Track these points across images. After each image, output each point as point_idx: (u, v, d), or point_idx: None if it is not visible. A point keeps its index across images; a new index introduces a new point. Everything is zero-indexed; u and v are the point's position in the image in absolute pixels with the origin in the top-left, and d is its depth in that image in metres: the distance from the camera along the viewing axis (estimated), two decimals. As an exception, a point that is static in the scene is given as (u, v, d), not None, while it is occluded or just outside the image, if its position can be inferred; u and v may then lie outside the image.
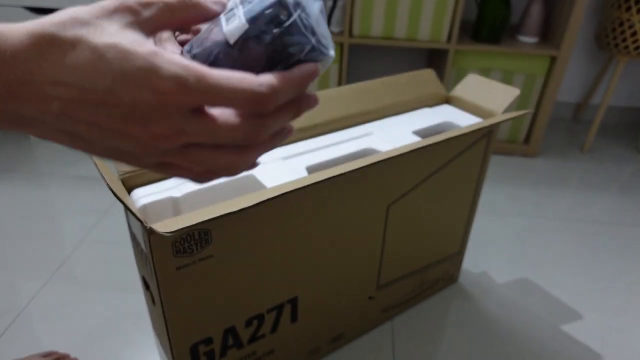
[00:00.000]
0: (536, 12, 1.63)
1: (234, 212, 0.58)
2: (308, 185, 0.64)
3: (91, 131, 0.27)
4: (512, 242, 1.31)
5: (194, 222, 0.56)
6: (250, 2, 0.27)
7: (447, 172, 0.89)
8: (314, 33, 0.27)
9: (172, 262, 0.61)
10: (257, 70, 0.27)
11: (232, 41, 0.27)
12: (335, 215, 0.75)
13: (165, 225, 0.56)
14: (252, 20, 0.26)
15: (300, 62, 0.28)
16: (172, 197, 0.67)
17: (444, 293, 1.12)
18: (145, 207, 0.65)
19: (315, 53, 0.28)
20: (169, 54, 0.26)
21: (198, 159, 0.29)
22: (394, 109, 0.96)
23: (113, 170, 0.66)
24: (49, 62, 0.25)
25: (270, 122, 0.29)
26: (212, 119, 0.27)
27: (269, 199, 0.60)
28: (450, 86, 1.67)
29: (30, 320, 1.00)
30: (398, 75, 0.99)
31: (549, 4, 1.66)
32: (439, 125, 0.92)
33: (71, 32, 0.26)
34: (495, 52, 1.61)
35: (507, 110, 0.93)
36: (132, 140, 0.27)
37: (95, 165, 0.64)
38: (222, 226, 0.62)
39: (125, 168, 0.68)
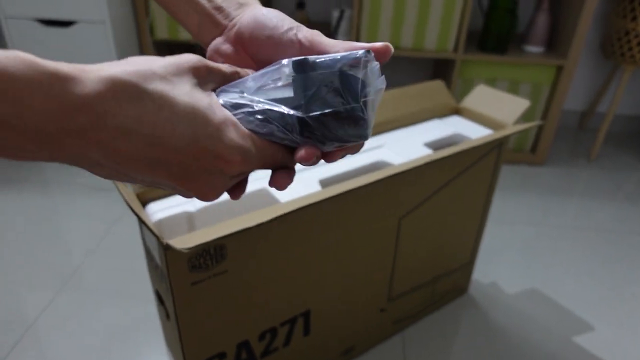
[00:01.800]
0: (542, 21, 1.63)
1: (250, 228, 0.58)
2: (323, 200, 0.64)
3: (144, 177, 0.28)
4: (520, 251, 1.31)
5: (210, 238, 0.56)
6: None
7: (458, 183, 0.89)
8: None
9: (187, 277, 0.61)
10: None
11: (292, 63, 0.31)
12: (348, 228, 0.75)
13: (182, 241, 0.56)
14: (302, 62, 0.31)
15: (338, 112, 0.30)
16: (187, 212, 0.67)
17: (454, 304, 1.12)
18: (160, 222, 0.65)
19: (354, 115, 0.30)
20: (237, 125, 0.29)
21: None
22: (404, 121, 0.96)
23: (128, 184, 0.66)
24: (126, 111, 0.25)
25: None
26: (243, 189, 0.34)
27: (284, 214, 0.60)
28: (456, 96, 1.68)
29: (41, 332, 1.00)
30: (408, 87, 0.99)
31: (555, 13, 1.67)
32: (449, 137, 0.92)
33: (152, 86, 0.26)
34: (501, 62, 1.61)
35: (516, 121, 0.94)
36: (177, 189, 0.29)
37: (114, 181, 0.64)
38: (237, 241, 0.62)
39: (140, 182, 0.68)
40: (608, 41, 1.71)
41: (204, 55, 0.37)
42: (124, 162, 0.26)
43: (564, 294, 1.16)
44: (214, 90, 0.31)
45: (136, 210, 0.59)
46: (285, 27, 0.33)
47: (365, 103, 0.30)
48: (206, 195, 0.30)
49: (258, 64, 0.35)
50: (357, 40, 1.61)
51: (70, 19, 1.49)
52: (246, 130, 0.30)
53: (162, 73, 0.27)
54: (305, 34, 0.33)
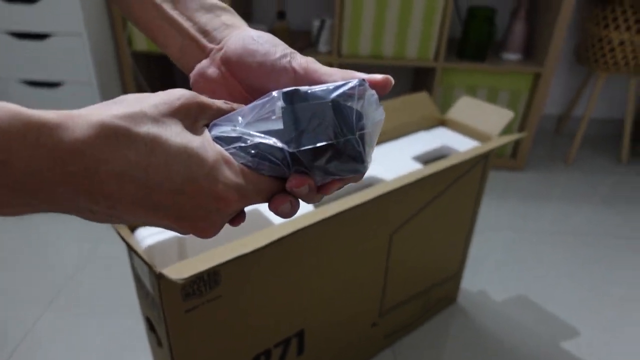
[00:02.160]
0: (519, 29, 1.67)
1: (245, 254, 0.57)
2: (317, 222, 0.63)
3: (138, 219, 0.26)
4: (505, 257, 1.33)
5: (205, 268, 0.54)
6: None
7: (447, 196, 0.90)
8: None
9: (181, 305, 0.59)
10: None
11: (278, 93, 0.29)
12: (341, 247, 0.75)
13: (176, 270, 0.54)
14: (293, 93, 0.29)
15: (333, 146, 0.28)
16: (178, 236, 0.65)
17: (444, 314, 1.12)
18: (150, 248, 0.63)
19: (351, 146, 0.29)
20: (231, 162, 0.28)
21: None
22: (391, 134, 0.97)
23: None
24: (118, 156, 0.24)
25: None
26: (243, 218, 0.31)
27: (279, 239, 0.59)
28: (438, 104, 1.69)
29: (31, 350, 0.97)
30: (392, 100, 0.99)
31: (531, 21, 1.70)
32: (437, 149, 0.93)
33: (144, 129, 0.25)
34: (481, 70, 1.63)
35: (501, 132, 0.95)
36: (174, 228, 0.28)
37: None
38: (231, 266, 0.61)
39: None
40: (582, 48, 1.76)
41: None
42: (118, 207, 0.25)
43: (549, 299, 1.18)
44: (207, 125, 0.30)
45: (125, 237, 0.57)
46: (278, 54, 0.32)
47: (361, 136, 0.28)
48: (205, 232, 0.29)
49: (247, 90, 0.34)
50: (339, 50, 1.61)
51: (45, 32, 1.45)
52: (240, 166, 0.28)
53: (153, 114, 0.26)
54: (300, 61, 0.32)
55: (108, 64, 1.61)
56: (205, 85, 0.34)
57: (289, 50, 0.32)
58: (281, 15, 1.66)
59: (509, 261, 1.31)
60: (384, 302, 0.92)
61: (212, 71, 0.34)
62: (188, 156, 0.26)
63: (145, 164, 0.24)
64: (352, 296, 0.84)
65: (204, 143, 0.27)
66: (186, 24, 0.35)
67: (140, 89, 1.70)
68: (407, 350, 1.02)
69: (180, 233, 0.29)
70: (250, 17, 1.87)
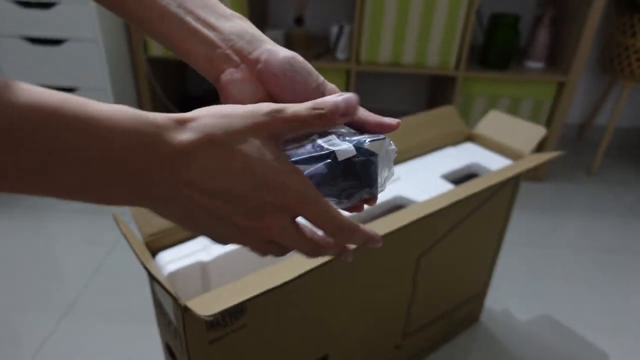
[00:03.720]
0: (543, 37, 1.62)
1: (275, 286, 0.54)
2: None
3: (209, 218, 0.29)
4: (528, 274, 1.28)
5: (233, 303, 0.51)
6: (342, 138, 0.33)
7: (476, 216, 0.86)
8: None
9: (205, 336, 0.56)
10: (338, 182, 0.33)
11: (339, 159, 0.31)
12: (368, 272, 0.72)
13: (202, 304, 0.51)
14: (357, 149, 0.32)
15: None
16: (201, 262, 0.62)
17: (466, 333, 1.08)
18: (173, 275, 0.60)
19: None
20: (300, 173, 0.31)
21: (266, 250, 0.34)
22: (418, 150, 0.93)
23: (136, 232, 0.61)
24: (204, 160, 0.28)
25: (336, 248, 0.35)
26: (303, 234, 0.33)
27: (310, 270, 0.56)
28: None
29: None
30: (419, 114, 0.96)
31: (555, 28, 1.66)
32: (466, 167, 0.89)
33: (226, 140, 0.28)
34: (503, 78, 1.59)
35: (533, 149, 0.91)
36: (242, 230, 0.31)
37: (120, 230, 0.59)
38: (258, 298, 0.58)
39: (150, 230, 0.64)
40: (607, 56, 1.71)
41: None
42: (194, 200, 0.29)
43: (572, 317, 1.14)
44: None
45: (148, 266, 0.54)
46: (314, 85, 0.35)
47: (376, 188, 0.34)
48: (261, 231, 0.31)
49: (276, 101, 0.36)
50: (357, 56, 1.58)
51: (61, 37, 1.43)
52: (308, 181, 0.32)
53: (239, 126, 0.29)
54: (330, 91, 0.36)
55: (123, 70, 1.59)
56: (235, 92, 0.36)
57: (320, 79, 0.36)
58: (299, 21, 1.63)
59: (532, 279, 1.27)
60: (408, 324, 0.88)
61: (246, 82, 0.36)
62: (263, 166, 0.29)
63: (225, 168, 0.28)
64: (377, 320, 0.80)
65: (279, 155, 0.30)
66: (212, 35, 0.36)
67: (154, 95, 1.68)
68: (430, 373, 0.98)
69: (236, 234, 0.31)
70: (266, 21, 1.84)
